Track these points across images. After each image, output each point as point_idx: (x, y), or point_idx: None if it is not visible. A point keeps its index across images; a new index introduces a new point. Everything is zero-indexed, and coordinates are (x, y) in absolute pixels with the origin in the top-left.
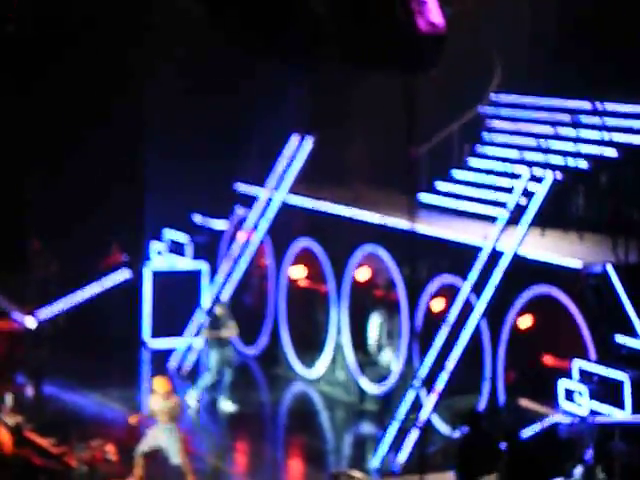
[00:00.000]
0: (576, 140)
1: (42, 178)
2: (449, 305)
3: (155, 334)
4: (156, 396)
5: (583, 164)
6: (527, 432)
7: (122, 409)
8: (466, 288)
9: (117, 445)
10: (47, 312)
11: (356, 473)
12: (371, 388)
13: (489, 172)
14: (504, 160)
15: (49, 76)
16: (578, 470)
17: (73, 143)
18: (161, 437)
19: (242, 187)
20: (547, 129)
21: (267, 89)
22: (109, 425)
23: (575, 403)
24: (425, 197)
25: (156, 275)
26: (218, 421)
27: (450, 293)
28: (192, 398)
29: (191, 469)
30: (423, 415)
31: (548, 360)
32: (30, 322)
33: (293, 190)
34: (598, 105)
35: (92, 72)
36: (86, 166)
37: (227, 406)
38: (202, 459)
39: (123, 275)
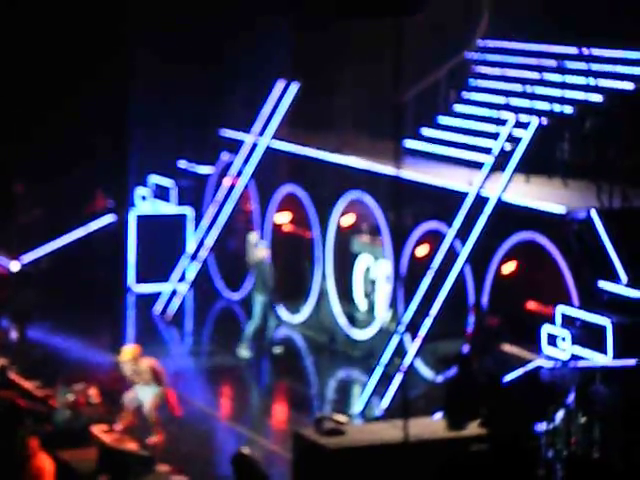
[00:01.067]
0: (562, 85)
1: (26, 124)
2: (434, 251)
3: (140, 279)
4: (125, 365)
5: (568, 110)
6: (510, 377)
7: (106, 353)
8: (451, 234)
9: (100, 389)
10: (31, 256)
11: (340, 417)
12: (355, 333)
13: (475, 118)
14: (490, 106)
15: (36, 27)
16: (560, 414)
17: (59, 90)
18: (140, 395)
19: (227, 132)
20: (533, 75)
21: (253, 35)
22: (93, 369)
23: (558, 348)
24: (411, 143)
25: (141, 220)
26: (203, 367)
27: (435, 239)
28: (243, 349)
29: (158, 419)
30: (407, 360)
31: (531, 305)
32: (14, 266)
33: (278, 136)
34: (584, 50)
35: (78, 23)
36: (71, 112)
37: (243, 352)
38: (188, 403)
39: (108, 220)
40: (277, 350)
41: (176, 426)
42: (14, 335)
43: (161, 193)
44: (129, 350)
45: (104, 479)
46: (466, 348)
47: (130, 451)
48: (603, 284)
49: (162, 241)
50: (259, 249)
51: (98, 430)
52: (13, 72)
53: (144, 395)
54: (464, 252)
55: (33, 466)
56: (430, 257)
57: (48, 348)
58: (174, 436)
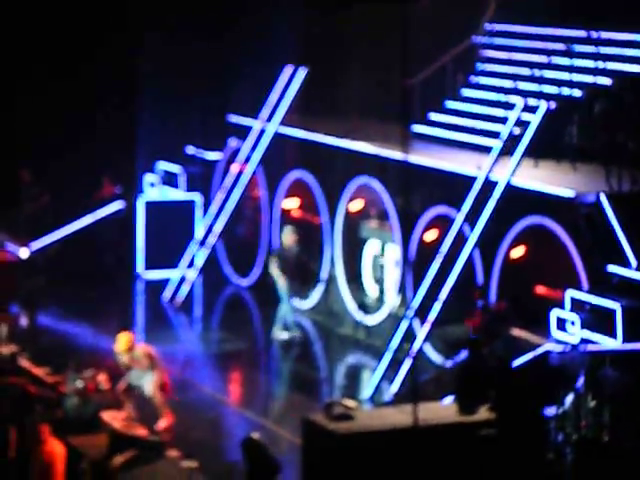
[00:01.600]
0: (570, 69)
1: (33, 112)
2: (442, 236)
3: (149, 265)
4: (122, 354)
5: (577, 93)
6: (519, 361)
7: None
8: (459, 219)
9: (110, 375)
10: (40, 243)
11: (350, 402)
12: (364, 318)
13: (483, 102)
14: (498, 90)
15: (40, 16)
16: (569, 398)
17: (66, 77)
18: (139, 381)
19: (235, 118)
20: (541, 58)
21: (261, 20)
22: (103, 355)
23: (567, 332)
24: (419, 128)
25: (149, 206)
26: (212, 353)
27: (443, 224)
28: (278, 332)
29: (164, 402)
30: (416, 345)
31: (541, 290)
32: (23, 253)
33: (286, 121)
34: (592, 33)
35: (83, 10)
36: (79, 99)
37: (281, 334)
38: (198, 389)
39: (116, 207)
40: (284, 335)
41: (186, 412)
42: (24, 322)
43: (169, 179)
44: (124, 339)
45: (118, 460)
46: (471, 333)
47: (140, 437)
48: (612, 268)
49: (171, 227)
50: (286, 234)
51: (108, 416)
52: (23, 61)
53: (143, 381)
54: (473, 237)
55: (44, 452)
56: (439, 242)
57: (58, 335)
58: (184, 422)
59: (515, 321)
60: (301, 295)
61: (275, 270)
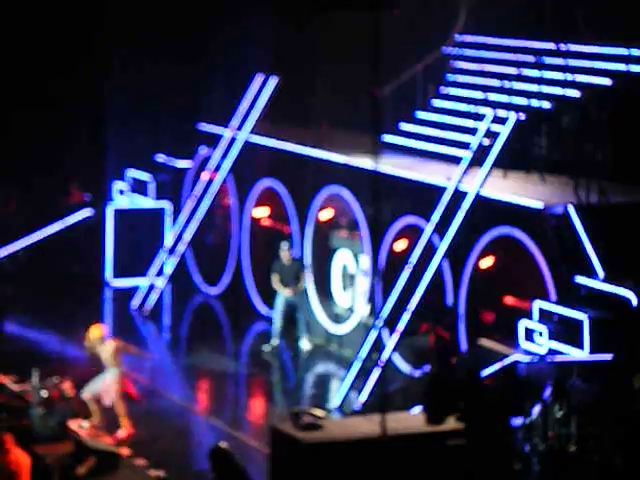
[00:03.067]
0: (540, 81)
1: (2, 117)
2: (412, 246)
3: (117, 273)
4: (93, 344)
5: (546, 105)
6: (487, 371)
7: (83, 347)
8: (429, 229)
9: (76, 382)
10: (8, 250)
11: (317, 411)
12: (333, 328)
13: (453, 113)
14: (468, 101)
15: (11, 23)
16: (536, 408)
17: (36, 84)
18: (100, 380)
19: (206, 126)
20: (511, 70)
21: (232, 29)
22: (70, 363)
23: (535, 343)
24: (389, 138)
25: (118, 214)
26: (180, 362)
27: (413, 234)
28: (306, 342)
29: (125, 412)
30: (385, 355)
31: (509, 300)
32: None
33: (257, 130)
34: (562, 46)
35: (54, 17)
36: (48, 105)
37: (305, 344)
38: (166, 398)
39: (85, 214)
40: (307, 345)
41: (153, 420)
42: None
43: (139, 187)
44: (98, 330)
45: (81, 469)
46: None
47: (104, 446)
48: (580, 279)
49: (140, 235)
50: (283, 249)
51: (74, 425)
52: None
53: (104, 380)
54: (442, 247)
55: (8, 461)
56: (408, 252)
57: (25, 342)
58: (151, 430)
59: (484, 331)
60: (269, 304)
61: (277, 284)
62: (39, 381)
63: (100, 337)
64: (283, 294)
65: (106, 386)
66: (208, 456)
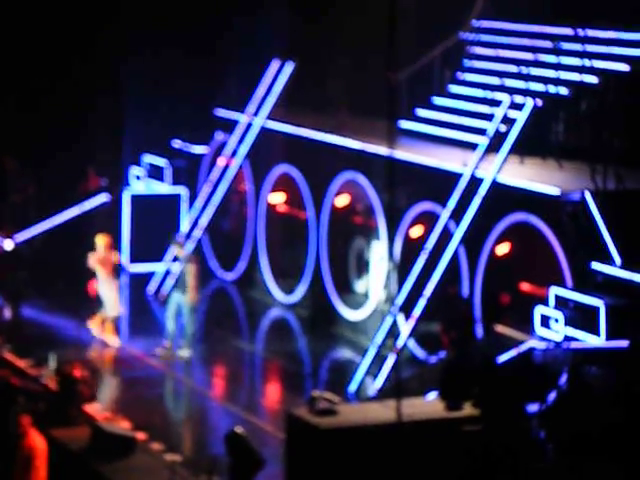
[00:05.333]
0: (557, 67)
1: (20, 101)
2: (428, 232)
3: (134, 258)
4: (98, 251)
5: (563, 91)
6: (503, 358)
7: (99, 332)
8: (445, 215)
9: (92, 367)
10: (25, 235)
11: (333, 397)
12: (349, 314)
13: (470, 99)
14: (485, 87)
15: (29, 5)
16: (552, 395)
17: (54, 70)
18: (102, 290)
19: (222, 112)
20: (528, 55)
21: (249, 14)
22: (86, 347)
23: (551, 329)
24: (405, 124)
25: (135, 199)
26: (196, 347)
27: (429, 220)
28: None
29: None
30: (400, 341)
31: (525, 287)
32: (8, 245)
33: (273, 116)
34: (579, 31)
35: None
36: (66, 90)
37: (184, 352)
38: (182, 383)
39: (102, 199)
40: (186, 353)
41: (169, 405)
42: (8, 314)
43: (155, 173)
44: (105, 237)
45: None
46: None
47: (118, 432)
48: (596, 266)
49: (156, 221)
50: (176, 248)
51: (91, 409)
52: (9, 54)
53: (105, 290)
54: (458, 233)
55: (25, 444)
56: (424, 238)
57: (41, 327)
58: (167, 415)
59: (500, 318)
60: (286, 290)
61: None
62: (55, 365)
63: (108, 244)
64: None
65: (109, 296)
66: (223, 441)
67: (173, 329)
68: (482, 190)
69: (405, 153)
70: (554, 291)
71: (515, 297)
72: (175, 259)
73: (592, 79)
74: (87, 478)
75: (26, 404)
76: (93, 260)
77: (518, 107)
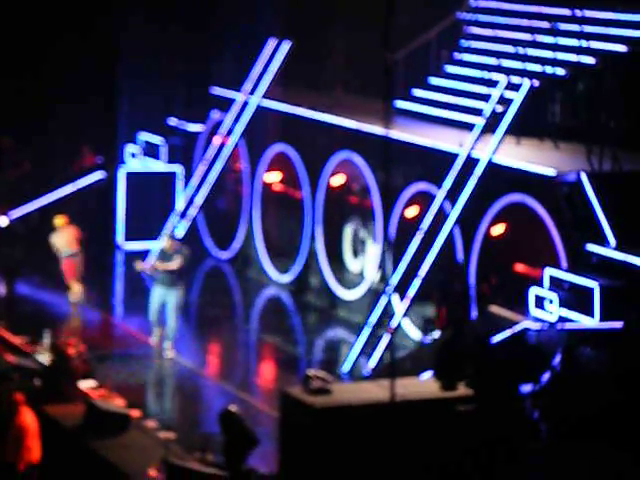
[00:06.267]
0: (554, 47)
1: (15, 80)
2: (423, 212)
3: (129, 236)
4: (58, 231)
5: (560, 72)
6: (497, 338)
7: (95, 309)
8: (440, 195)
9: (88, 345)
10: (20, 212)
11: (327, 376)
12: (343, 294)
13: (466, 79)
14: (481, 67)
15: None
16: (546, 376)
17: (49, 46)
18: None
19: (218, 90)
20: (525, 36)
21: None
22: (81, 325)
23: (545, 310)
24: (401, 104)
25: (130, 177)
26: (191, 326)
27: (424, 200)
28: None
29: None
30: (394, 321)
31: (520, 268)
32: (2, 221)
33: (269, 94)
34: (577, 12)
35: None
36: (61, 68)
37: (170, 353)
38: (177, 362)
39: (97, 177)
40: (171, 354)
41: (164, 383)
42: (2, 290)
43: (151, 150)
44: (61, 217)
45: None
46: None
47: (112, 409)
48: (591, 247)
49: (151, 199)
50: (164, 238)
51: (85, 386)
52: (5, 30)
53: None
54: (453, 213)
55: (17, 422)
56: (419, 218)
57: (36, 304)
58: (161, 393)
59: (494, 298)
60: (280, 269)
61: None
62: (50, 342)
63: (65, 223)
64: (157, 288)
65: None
66: (218, 419)
67: (156, 321)
68: (478, 170)
69: (401, 133)
70: (549, 272)
71: (510, 278)
72: (162, 253)
73: (589, 60)
74: (81, 455)
75: (20, 381)
76: (55, 241)
77: (515, 87)
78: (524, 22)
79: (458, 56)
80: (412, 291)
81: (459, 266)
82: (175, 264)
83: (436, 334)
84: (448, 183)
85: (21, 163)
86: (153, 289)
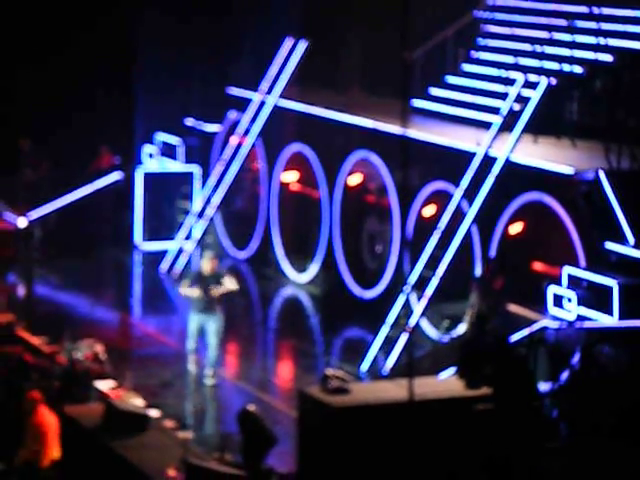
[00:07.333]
0: (571, 45)
1: (32, 79)
2: (441, 211)
3: (146, 237)
4: None
5: (578, 69)
6: (516, 337)
7: (113, 310)
8: (458, 194)
9: (107, 345)
10: (39, 213)
11: (345, 375)
12: (362, 293)
13: (483, 77)
14: (499, 65)
15: None
16: (565, 374)
17: (66, 47)
18: None
19: (235, 90)
20: (543, 33)
21: None
22: (100, 326)
23: (564, 309)
24: (418, 102)
25: (147, 178)
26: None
27: (442, 199)
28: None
29: None
30: (413, 320)
31: (538, 266)
32: (21, 222)
33: (286, 94)
34: (594, 9)
35: None
36: (78, 68)
37: (210, 380)
38: (196, 361)
39: (115, 177)
40: (210, 382)
41: (181, 383)
42: (21, 291)
43: (168, 151)
44: None
45: None
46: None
47: (130, 409)
48: (610, 245)
49: (169, 199)
50: (207, 260)
51: (104, 386)
52: (24, 31)
53: None
54: (471, 212)
55: (36, 421)
56: (437, 217)
57: (55, 304)
58: (179, 393)
59: (512, 297)
60: (299, 268)
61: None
62: (69, 343)
63: None
64: (195, 314)
65: None
66: (236, 419)
67: (193, 350)
68: (495, 169)
69: (418, 132)
70: (567, 271)
71: (528, 276)
72: (201, 276)
73: (607, 57)
74: (100, 455)
75: (40, 381)
76: None
77: (532, 86)
78: (541, 20)
79: (475, 54)
80: (430, 290)
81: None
82: (231, 285)
83: (455, 332)
84: (465, 182)
85: (40, 164)
86: (190, 315)
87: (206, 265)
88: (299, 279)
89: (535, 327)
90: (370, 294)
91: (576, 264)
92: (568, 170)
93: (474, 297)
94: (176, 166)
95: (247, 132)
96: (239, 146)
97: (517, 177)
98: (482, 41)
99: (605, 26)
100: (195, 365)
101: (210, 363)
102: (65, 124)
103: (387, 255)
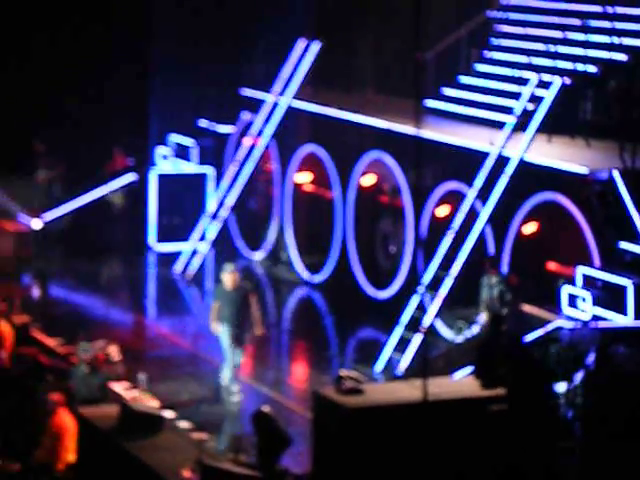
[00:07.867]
0: (585, 44)
1: (48, 83)
2: (454, 211)
3: (160, 238)
4: None
5: (592, 69)
6: (530, 337)
7: (127, 311)
8: (472, 194)
9: (121, 346)
10: (53, 214)
11: (359, 376)
12: (376, 293)
13: (497, 77)
14: (512, 65)
15: None
16: (579, 375)
17: (80, 49)
18: None
19: (248, 92)
20: (556, 33)
21: None
22: (114, 327)
23: (578, 309)
24: (432, 103)
25: (161, 179)
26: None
27: (455, 199)
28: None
29: None
30: (426, 320)
31: (552, 266)
32: (36, 224)
33: (299, 95)
34: (608, 9)
35: None
36: (92, 70)
37: (237, 397)
38: (209, 362)
39: (129, 179)
40: (235, 398)
41: (197, 384)
42: (36, 293)
43: (182, 152)
44: None
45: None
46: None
47: (146, 410)
48: (624, 245)
49: (183, 200)
50: (228, 274)
51: (119, 387)
52: (38, 33)
53: None
54: (485, 212)
55: (55, 422)
56: (451, 217)
57: (70, 306)
58: (194, 394)
59: (527, 297)
60: (312, 269)
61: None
62: (84, 344)
63: None
64: (225, 327)
65: None
66: (251, 420)
67: (231, 359)
68: (509, 169)
69: (432, 132)
70: (582, 270)
71: (542, 276)
72: (224, 292)
73: (621, 57)
74: (115, 456)
75: (55, 382)
76: None
77: (546, 85)
78: (555, 19)
79: (488, 54)
80: (444, 290)
81: (491, 258)
82: (255, 308)
83: (469, 333)
84: (479, 182)
85: (54, 166)
86: (222, 330)
87: (227, 280)
88: (313, 279)
89: (550, 327)
90: (384, 294)
91: (590, 264)
92: (582, 170)
93: (486, 279)
94: (190, 167)
95: (260, 133)
96: (252, 147)
97: (531, 177)
98: (495, 41)
99: (619, 25)
100: (228, 379)
101: (234, 379)
102: (79, 126)
103: (401, 255)
